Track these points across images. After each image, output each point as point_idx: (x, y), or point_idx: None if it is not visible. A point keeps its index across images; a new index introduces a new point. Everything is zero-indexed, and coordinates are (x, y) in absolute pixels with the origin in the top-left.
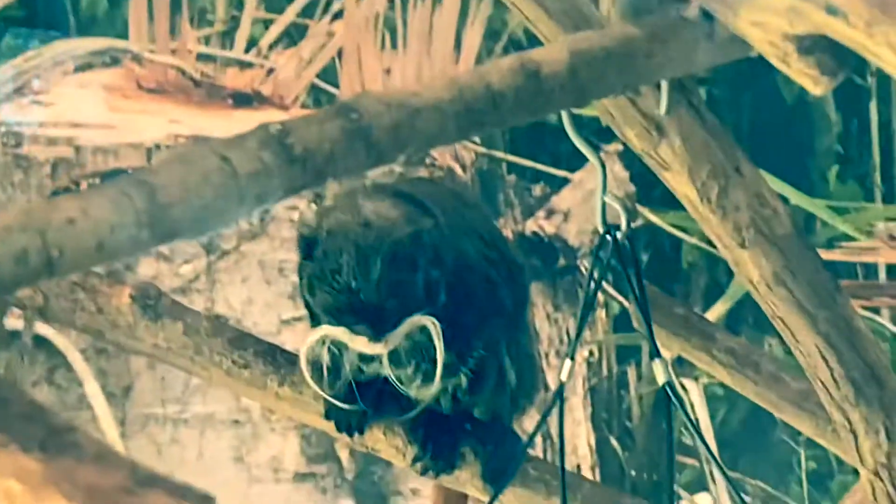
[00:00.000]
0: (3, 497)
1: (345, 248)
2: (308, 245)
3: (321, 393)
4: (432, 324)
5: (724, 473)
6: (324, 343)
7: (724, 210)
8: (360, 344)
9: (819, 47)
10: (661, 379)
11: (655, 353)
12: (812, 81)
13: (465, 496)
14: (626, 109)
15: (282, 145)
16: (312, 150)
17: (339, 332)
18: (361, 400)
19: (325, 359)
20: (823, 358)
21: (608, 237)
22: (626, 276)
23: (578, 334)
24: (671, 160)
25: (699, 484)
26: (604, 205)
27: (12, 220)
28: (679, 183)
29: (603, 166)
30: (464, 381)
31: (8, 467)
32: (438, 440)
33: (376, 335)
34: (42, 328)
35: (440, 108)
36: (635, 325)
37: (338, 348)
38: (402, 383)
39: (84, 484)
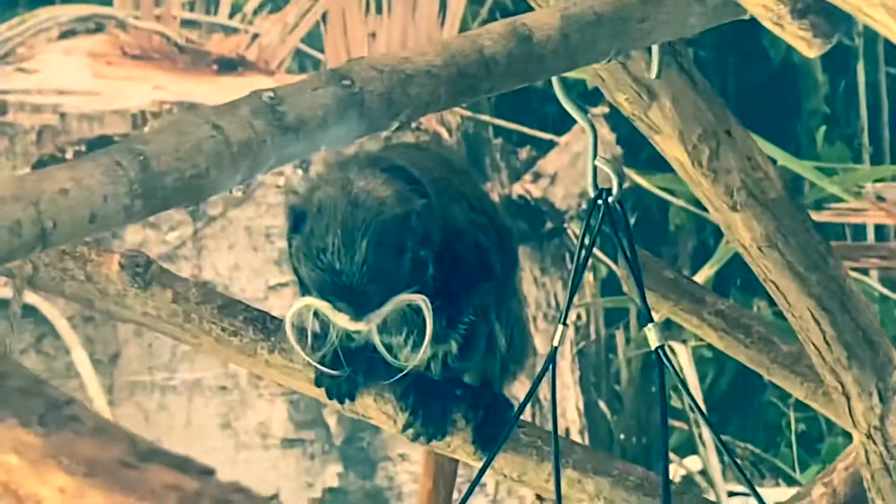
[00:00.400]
0: (3, 471)
1: (332, 228)
2: (297, 218)
3: (306, 357)
4: (422, 301)
5: (716, 435)
6: (309, 310)
7: (715, 173)
8: (341, 320)
9: (812, 10)
10: (654, 343)
11: (648, 317)
12: (806, 44)
13: (457, 462)
14: (617, 73)
15: (274, 113)
16: (305, 117)
17: (323, 306)
18: (351, 366)
19: (312, 325)
20: (816, 321)
21: (599, 201)
22: (618, 239)
23: (570, 299)
24: (662, 124)
25: (688, 447)
26: (595, 168)
27: (5, 191)
28: (669, 146)
29: (593, 129)
30: (454, 346)
31: (7, 442)
32: (429, 406)
33: (357, 315)
34: (30, 296)
35: (433, 73)
36: (625, 289)
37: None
38: (391, 350)
39: (84, 457)
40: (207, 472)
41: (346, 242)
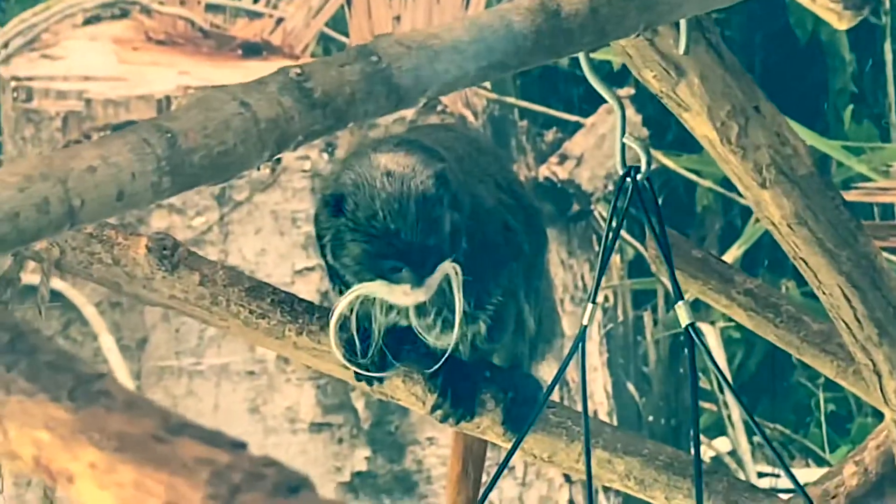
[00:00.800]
0: (33, 447)
1: (375, 196)
2: (336, 202)
3: (346, 362)
4: (454, 272)
5: (748, 413)
6: (352, 310)
7: (744, 150)
8: (398, 294)
9: None
10: (684, 321)
11: (678, 296)
12: (836, 16)
13: (486, 444)
14: (644, 49)
15: (301, 89)
16: (332, 93)
17: (377, 287)
18: (382, 348)
19: (353, 326)
20: (846, 298)
21: (627, 179)
22: (647, 218)
23: (599, 276)
24: (690, 100)
25: (717, 428)
26: (623, 146)
27: (32, 169)
28: (698, 123)
29: (622, 107)
30: (482, 327)
31: (37, 417)
32: (458, 387)
33: (418, 279)
34: (57, 282)
35: (460, 49)
36: (654, 269)
37: (366, 315)
38: (422, 334)
39: (114, 432)
40: (239, 446)
41: (394, 204)
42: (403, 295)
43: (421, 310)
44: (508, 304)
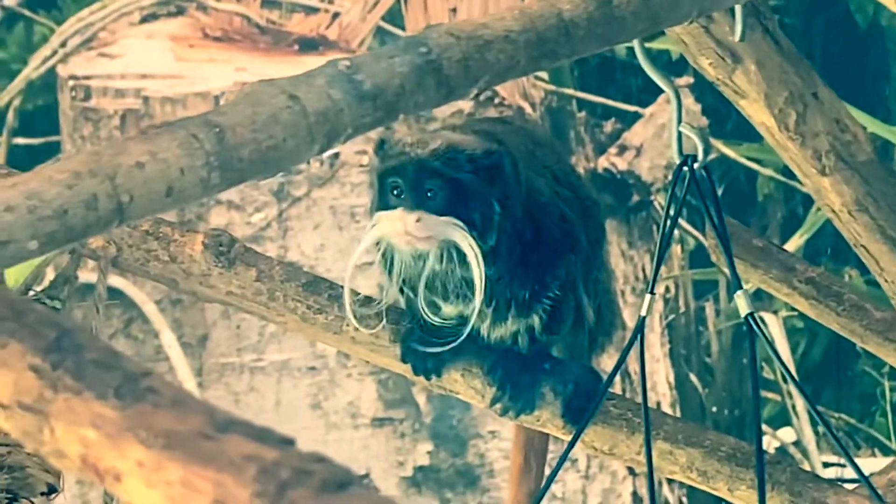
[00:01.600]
0: (81, 445)
1: (412, 137)
2: (382, 142)
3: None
4: (468, 242)
5: (809, 403)
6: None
7: (802, 137)
8: (393, 222)
9: None
10: (744, 311)
11: (737, 284)
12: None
13: (548, 437)
14: (700, 37)
15: (351, 82)
16: (382, 85)
17: (377, 219)
18: (437, 342)
19: (401, 301)
20: None
21: (685, 168)
22: (704, 205)
23: (657, 267)
24: (747, 88)
25: (781, 418)
26: (679, 135)
27: (80, 166)
28: (755, 111)
29: (678, 95)
30: (537, 320)
31: (83, 415)
32: (517, 380)
33: (413, 201)
34: (116, 281)
35: (511, 38)
36: (714, 258)
37: (411, 288)
38: (476, 327)
39: (161, 430)
40: (287, 442)
41: (427, 140)
42: (398, 220)
43: (432, 279)
44: (567, 296)
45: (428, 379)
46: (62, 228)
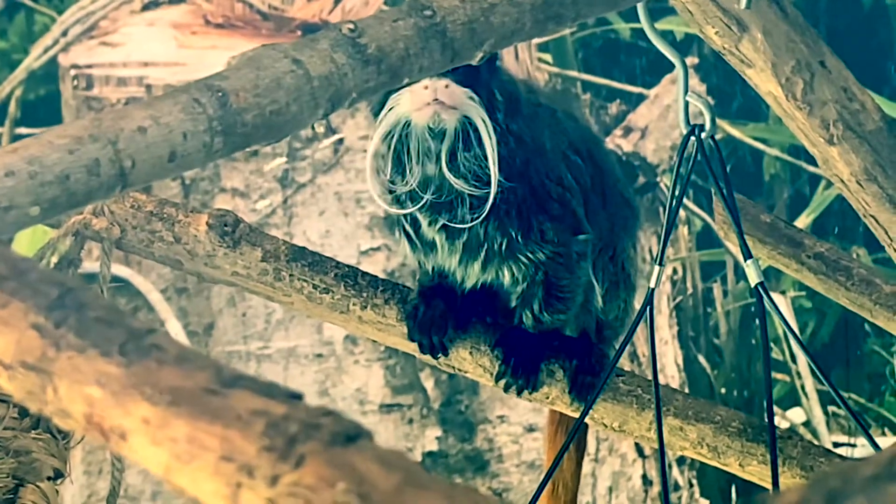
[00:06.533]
0: (85, 404)
1: None
2: None
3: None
4: (484, 122)
5: (820, 371)
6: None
7: (810, 106)
8: (419, 89)
9: None
10: (753, 280)
11: (747, 254)
12: None
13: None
14: (706, 5)
15: (354, 45)
16: (386, 49)
17: (411, 88)
18: (453, 311)
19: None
20: None
21: (692, 137)
22: (712, 174)
23: (666, 237)
24: (753, 57)
25: (791, 399)
26: (686, 104)
27: (82, 131)
28: (762, 80)
29: (684, 65)
30: (536, 295)
31: (88, 373)
32: (521, 356)
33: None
34: (122, 269)
35: (516, 1)
36: (721, 235)
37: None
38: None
39: (167, 387)
40: (295, 397)
41: None
42: (423, 90)
43: (452, 156)
44: (562, 268)
45: (435, 357)
46: (64, 194)
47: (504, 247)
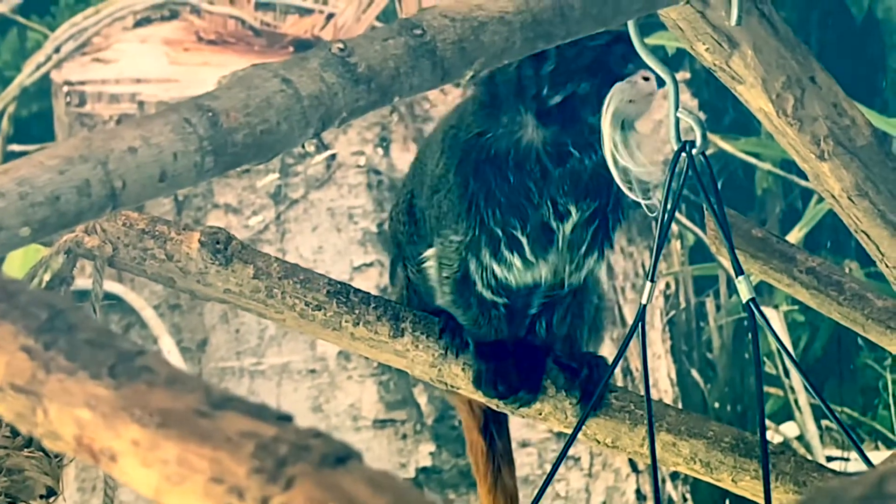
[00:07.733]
0: (75, 426)
1: None
2: None
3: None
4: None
5: (813, 391)
6: None
7: (800, 122)
8: (637, 79)
9: None
10: (745, 296)
11: (738, 270)
12: None
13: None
14: (696, 22)
15: (345, 65)
16: (377, 68)
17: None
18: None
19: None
20: None
21: (683, 153)
22: (703, 190)
23: (658, 253)
24: (744, 73)
25: (784, 413)
26: (677, 120)
27: (72, 151)
28: (753, 96)
29: (675, 81)
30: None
31: (78, 395)
32: (492, 366)
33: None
34: (115, 286)
35: (506, 20)
36: (713, 249)
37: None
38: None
39: (156, 409)
40: (285, 419)
41: None
42: (642, 81)
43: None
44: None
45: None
46: (54, 214)
47: (595, 238)
